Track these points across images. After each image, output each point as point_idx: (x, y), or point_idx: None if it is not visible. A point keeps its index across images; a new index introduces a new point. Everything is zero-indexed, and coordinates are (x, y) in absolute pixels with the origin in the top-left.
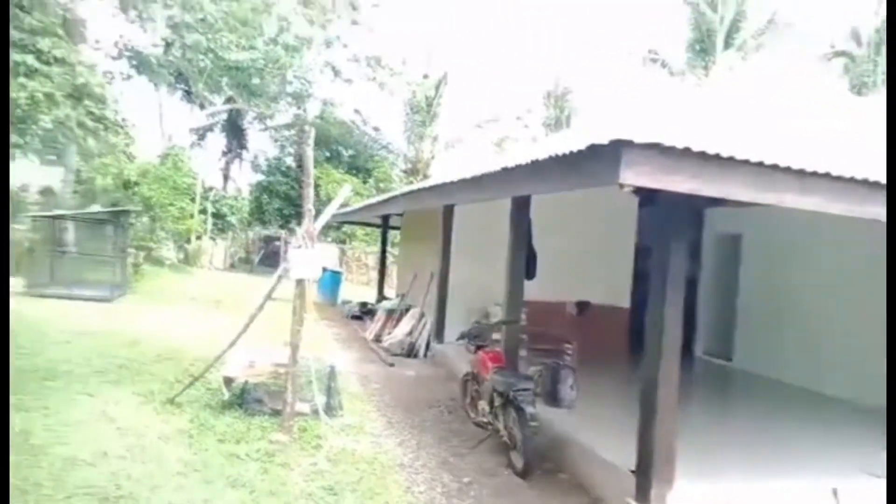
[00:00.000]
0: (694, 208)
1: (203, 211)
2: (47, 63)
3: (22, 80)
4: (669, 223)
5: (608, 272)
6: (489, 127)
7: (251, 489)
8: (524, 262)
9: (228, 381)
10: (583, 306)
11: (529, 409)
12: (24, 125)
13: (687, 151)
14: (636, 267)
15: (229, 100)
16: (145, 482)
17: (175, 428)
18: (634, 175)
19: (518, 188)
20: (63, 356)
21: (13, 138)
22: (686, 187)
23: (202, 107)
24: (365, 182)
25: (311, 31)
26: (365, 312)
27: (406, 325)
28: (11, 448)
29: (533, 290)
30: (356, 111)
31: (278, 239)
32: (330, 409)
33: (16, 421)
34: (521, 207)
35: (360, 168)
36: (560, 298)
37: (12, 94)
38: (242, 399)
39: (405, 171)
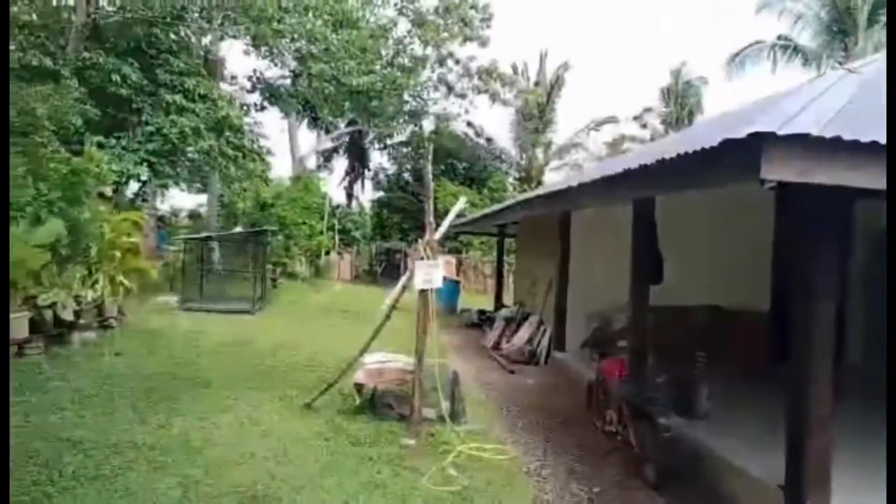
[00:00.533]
0: (843, 202)
1: (331, 228)
2: (193, 100)
3: (173, 117)
4: (816, 219)
5: (743, 274)
6: (605, 129)
7: (384, 492)
8: (649, 266)
9: (359, 388)
10: (715, 311)
11: (662, 420)
12: (175, 157)
13: (837, 141)
14: (774, 268)
15: (351, 122)
16: (287, 483)
17: (313, 431)
18: (778, 170)
19: (642, 190)
20: (213, 365)
21: (167, 169)
22: (837, 179)
23: (327, 131)
24: (480, 192)
25: (425, 52)
26: (483, 321)
27: (525, 332)
28: (173, 450)
29: (660, 296)
30: (469, 124)
31: (399, 251)
32: (455, 415)
33: (175, 424)
34: (644, 209)
35: (474, 179)
36: (689, 303)
37: (165, 131)
38: (372, 404)
39: (518, 180)
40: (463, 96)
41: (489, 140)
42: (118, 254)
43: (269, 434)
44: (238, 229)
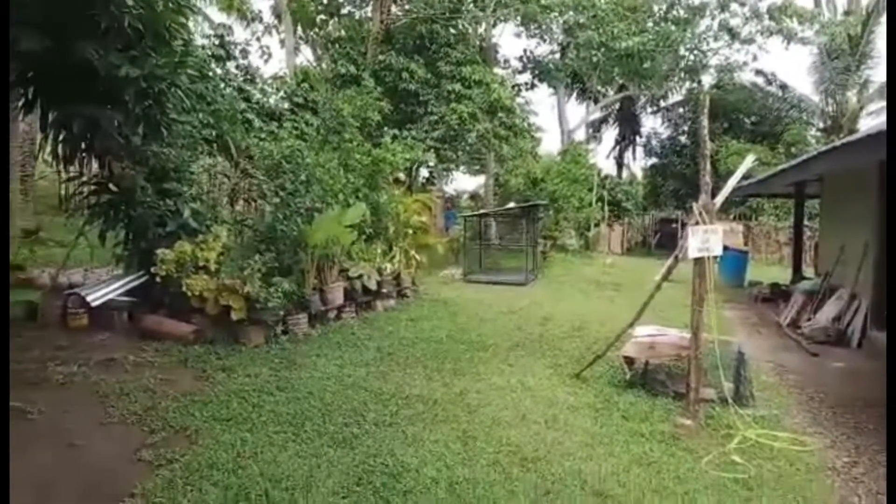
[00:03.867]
0: None
1: (600, 199)
2: (469, 87)
3: (453, 105)
4: None
5: None
6: None
7: (657, 470)
8: None
9: (629, 361)
10: None
11: None
12: (456, 143)
13: None
14: None
15: (621, 88)
16: (557, 448)
17: (582, 401)
18: None
19: None
20: (490, 331)
21: (449, 154)
22: None
23: (596, 101)
24: (773, 149)
25: None
26: (777, 294)
27: (832, 308)
28: (455, 406)
29: None
30: (758, 72)
31: (675, 221)
32: (739, 398)
33: (456, 384)
34: None
35: (765, 135)
36: None
37: (447, 118)
38: (644, 379)
39: (823, 130)
40: (750, 41)
41: (783, 87)
42: (411, 231)
43: (539, 400)
44: (511, 205)
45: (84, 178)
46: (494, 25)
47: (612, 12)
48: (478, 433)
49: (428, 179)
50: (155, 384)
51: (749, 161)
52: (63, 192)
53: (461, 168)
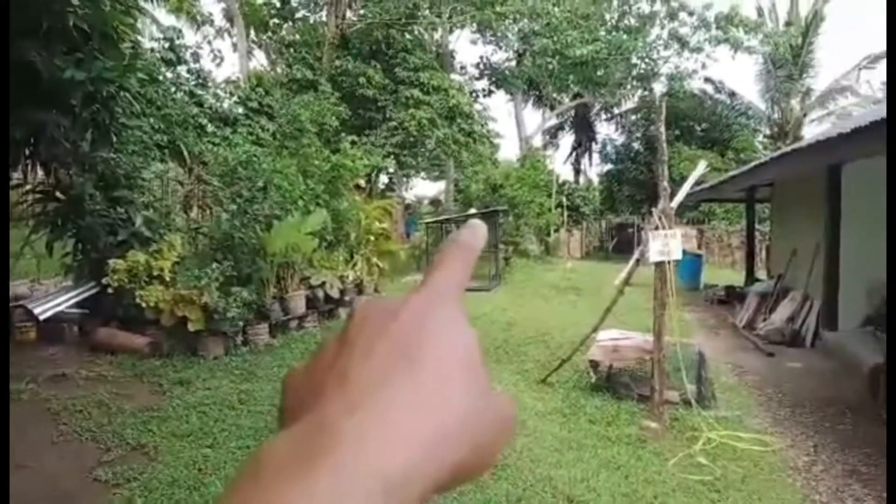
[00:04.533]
0: None
1: (559, 205)
2: (428, 93)
3: (412, 110)
4: None
5: None
6: (882, 66)
7: (625, 473)
8: None
9: (594, 365)
10: None
11: None
12: (415, 149)
13: None
14: None
15: (576, 96)
16: (527, 454)
17: (550, 406)
18: None
19: None
20: None
21: (409, 160)
22: None
23: (552, 108)
24: (723, 155)
25: (653, 7)
26: (732, 297)
27: (785, 309)
28: None
29: None
30: (707, 80)
31: (630, 226)
32: (701, 399)
33: None
34: None
35: (715, 141)
36: None
37: (406, 124)
38: (609, 383)
39: (769, 137)
40: (699, 50)
41: (732, 95)
42: (372, 238)
43: None
44: (472, 211)
45: (29, 186)
46: (451, 32)
47: (565, 21)
48: None
49: (387, 186)
50: (109, 399)
51: (701, 167)
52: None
53: (421, 174)
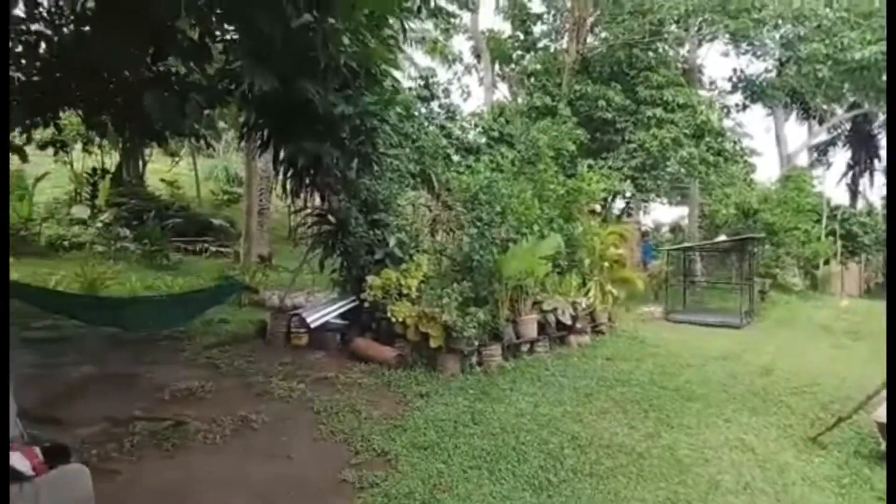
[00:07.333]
0: None
1: (831, 233)
2: (672, 111)
3: (653, 130)
4: None
5: None
6: None
7: None
8: None
9: (884, 428)
10: None
11: None
12: (655, 171)
13: None
14: None
15: (852, 106)
16: None
17: (821, 472)
18: None
19: None
20: (699, 379)
21: (648, 184)
22: None
23: (821, 121)
24: None
25: None
26: None
27: None
28: (662, 461)
29: None
30: None
31: None
32: None
33: (663, 435)
34: None
35: None
36: None
37: (646, 145)
38: None
39: None
40: None
41: None
42: (607, 265)
43: (766, 465)
44: (720, 238)
45: (308, 211)
46: (699, 46)
47: (840, 21)
48: (691, 497)
49: (624, 210)
50: (361, 405)
51: None
52: (291, 223)
53: (660, 198)
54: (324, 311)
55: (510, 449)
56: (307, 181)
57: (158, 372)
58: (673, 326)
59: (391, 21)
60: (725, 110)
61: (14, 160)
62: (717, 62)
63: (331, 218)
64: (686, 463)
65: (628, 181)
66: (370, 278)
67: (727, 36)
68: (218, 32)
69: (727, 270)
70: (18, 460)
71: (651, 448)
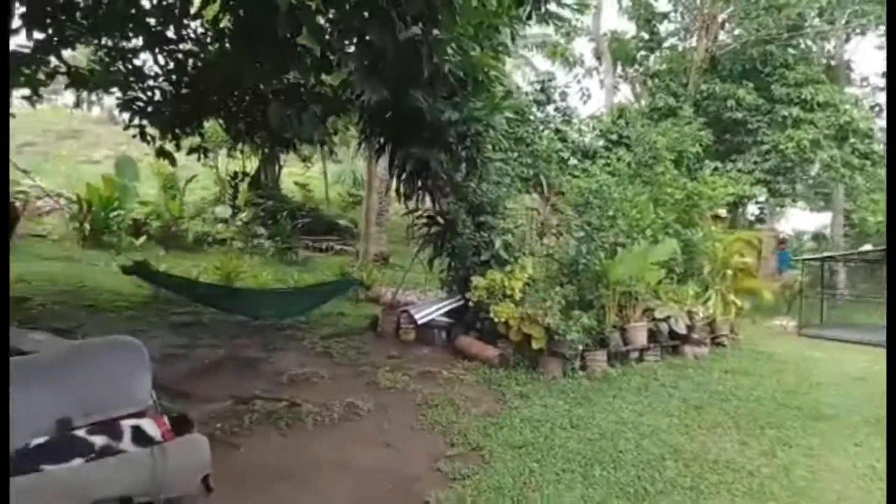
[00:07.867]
0: None
1: None
2: (811, 110)
3: (789, 131)
4: None
5: None
6: None
7: None
8: None
9: None
10: None
11: None
12: (792, 175)
13: None
14: None
15: None
16: None
17: None
18: None
19: None
20: (830, 399)
21: (783, 187)
22: None
23: None
24: None
25: None
26: None
27: None
28: (775, 482)
29: None
30: None
31: None
32: None
33: (779, 454)
34: None
35: None
36: None
37: (781, 146)
38: None
39: None
40: None
41: None
42: (731, 273)
43: None
44: (867, 247)
45: (419, 212)
46: (847, 40)
47: None
48: None
49: (757, 217)
50: (460, 401)
51: None
52: (408, 224)
53: (799, 204)
54: (431, 309)
55: (607, 455)
56: (418, 184)
57: (279, 357)
58: (807, 342)
59: (501, 29)
60: (877, 109)
61: (165, 164)
62: (871, 56)
63: (439, 219)
64: (800, 486)
65: (761, 185)
66: (475, 279)
67: (880, 28)
68: (338, 47)
69: (875, 284)
70: (150, 426)
71: (763, 467)
